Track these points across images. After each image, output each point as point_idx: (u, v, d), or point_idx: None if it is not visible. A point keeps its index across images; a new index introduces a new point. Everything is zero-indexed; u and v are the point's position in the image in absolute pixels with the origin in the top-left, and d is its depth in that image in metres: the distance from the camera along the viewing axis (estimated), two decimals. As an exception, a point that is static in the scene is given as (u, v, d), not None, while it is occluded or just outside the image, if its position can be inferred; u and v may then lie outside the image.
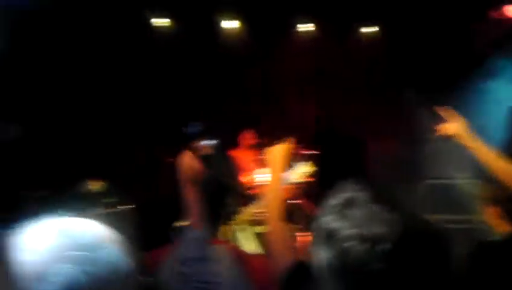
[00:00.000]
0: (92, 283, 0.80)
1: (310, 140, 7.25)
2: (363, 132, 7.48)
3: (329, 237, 1.15)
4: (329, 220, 1.17)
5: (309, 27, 7.67)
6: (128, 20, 6.69)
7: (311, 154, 5.98)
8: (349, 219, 1.13)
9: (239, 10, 7.25)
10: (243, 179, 5.98)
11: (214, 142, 4.17)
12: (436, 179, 6.42)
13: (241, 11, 7.27)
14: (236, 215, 4.17)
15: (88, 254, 0.83)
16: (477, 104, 5.88)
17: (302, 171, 3.88)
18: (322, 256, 1.17)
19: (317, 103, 8.20)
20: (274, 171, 2.08)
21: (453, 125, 2.22)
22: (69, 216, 0.91)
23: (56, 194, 4.78)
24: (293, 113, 8.06)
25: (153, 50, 7.06)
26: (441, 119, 2.31)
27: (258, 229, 4.65)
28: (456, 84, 6.48)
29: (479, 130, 5.35)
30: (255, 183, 5.77)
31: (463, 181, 5.77)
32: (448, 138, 2.28)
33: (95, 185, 5.20)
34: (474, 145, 2.17)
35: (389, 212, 1.12)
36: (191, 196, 2.11)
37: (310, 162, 3.77)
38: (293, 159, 4.19)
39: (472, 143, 2.18)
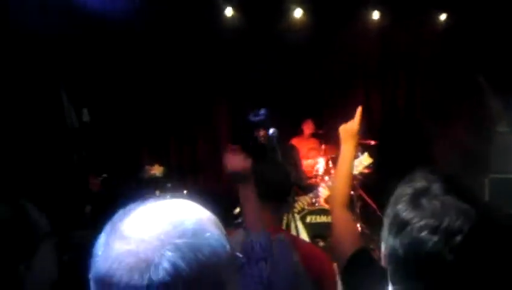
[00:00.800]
0: (196, 269, 0.78)
1: (375, 130, 7.11)
2: (433, 121, 7.23)
3: (402, 226, 1.13)
4: (401, 209, 1.15)
5: (376, 15, 7.47)
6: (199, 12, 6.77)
7: (372, 145, 5.87)
8: (423, 209, 1.11)
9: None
10: (303, 167, 5.96)
11: (274, 131, 4.15)
12: (504, 173, 6.10)
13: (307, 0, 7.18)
14: (294, 205, 4.18)
15: (191, 239, 0.81)
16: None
17: (362, 163, 3.81)
18: (392, 245, 1.16)
19: (383, 92, 8.02)
20: (345, 151, 2.03)
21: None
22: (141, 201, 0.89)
23: (120, 179, 4.94)
24: (358, 103, 7.89)
25: (220, 41, 7.10)
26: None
27: (314, 218, 4.63)
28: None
29: None
30: (314, 173, 5.74)
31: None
32: None
33: (156, 170, 5.32)
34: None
35: (464, 204, 1.09)
36: (242, 195, 1.99)
37: (367, 154, 3.67)
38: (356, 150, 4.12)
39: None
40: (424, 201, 1.12)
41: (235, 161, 1.97)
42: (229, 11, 7.12)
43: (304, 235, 4.30)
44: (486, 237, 1.07)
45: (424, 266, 1.10)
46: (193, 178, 7.04)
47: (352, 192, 4.95)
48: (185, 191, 5.09)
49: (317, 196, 4.13)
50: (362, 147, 5.87)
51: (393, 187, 1.24)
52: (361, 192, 5.69)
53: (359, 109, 2.08)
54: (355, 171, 3.93)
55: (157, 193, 4.80)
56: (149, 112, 6.93)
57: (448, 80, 7.53)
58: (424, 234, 1.08)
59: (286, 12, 7.37)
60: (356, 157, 3.95)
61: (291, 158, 4.47)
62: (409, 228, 1.11)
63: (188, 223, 0.83)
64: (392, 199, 1.19)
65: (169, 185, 5.15)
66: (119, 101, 6.57)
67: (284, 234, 1.97)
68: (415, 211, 1.11)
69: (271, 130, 4.14)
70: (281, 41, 7.15)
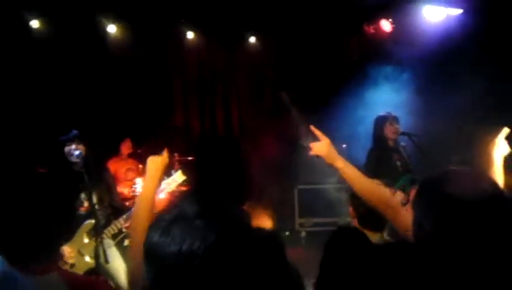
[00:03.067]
0: None
1: (192, 148, 7.21)
2: (247, 139, 7.59)
3: (152, 254, 1.10)
4: (152, 236, 1.12)
5: (195, 36, 7.63)
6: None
7: (187, 161, 5.94)
8: (172, 235, 1.08)
9: (125, 15, 7.02)
10: (119, 188, 5.76)
11: (80, 153, 3.92)
12: (308, 184, 6.69)
13: (127, 16, 7.04)
14: (106, 229, 4.00)
15: None
16: (355, 111, 6.18)
17: (176, 180, 3.79)
18: (145, 273, 1.12)
19: (202, 111, 8.17)
20: (149, 182, 2.06)
21: (319, 146, 2.26)
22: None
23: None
24: (177, 123, 7.96)
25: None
26: (313, 137, 2.34)
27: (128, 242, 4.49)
28: (334, 94, 6.79)
29: (358, 136, 5.77)
30: (131, 194, 5.59)
31: (332, 186, 6.07)
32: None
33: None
34: (340, 165, 2.21)
35: (208, 226, 1.08)
36: None
37: (180, 171, 3.68)
38: (170, 167, 4.11)
39: (337, 163, 2.21)
40: (174, 227, 1.09)
41: None
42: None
43: (117, 260, 4.13)
44: (226, 257, 1.06)
45: None
46: None
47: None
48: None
49: (130, 218, 4.00)
50: (180, 164, 5.94)
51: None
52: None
53: (165, 150, 2.12)
54: (169, 190, 3.90)
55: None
56: None
57: (260, 99, 8.05)
58: (169, 261, 1.06)
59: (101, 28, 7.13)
60: (169, 175, 3.93)
61: (103, 179, 4.27)
62: (157, 256, 1.08)
63: None
64: (150, 226, 1.16)
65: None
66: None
67: (56, 271, 1.79)
68: (163, 238, 1.09)
69: (76, 152, 3.93)
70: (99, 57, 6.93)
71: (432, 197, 1.46)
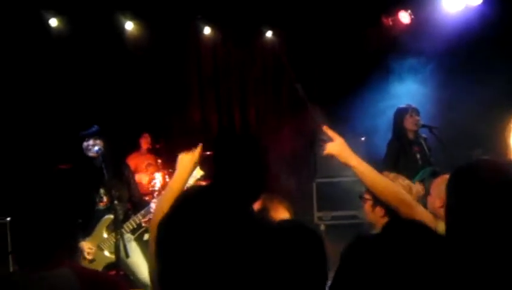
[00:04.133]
0: None
1: (210, 144, 7.21)
2: (264, 133, 7.58)
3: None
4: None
5: (212, 32, 7.62)
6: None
7: (205, 156, 5.94)
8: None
9: (141, 12, 7.06)
10: (139, 182, 5.82)
11: (100, 148, 3.96)
12: (327, 177, 6.65)
13: (144, 13, 7.08)
14: (125, 224, 4.04)
15: None
16: (375, 103, 6.13)
17: (194, 176, 3.81)
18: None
19: (219, 106, 8.17)
20: (178, 178, 2.09)
21: (333, 146, 2.24)
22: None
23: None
24: (195, 117, 7.98)
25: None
26: (327, 136, 2.34)
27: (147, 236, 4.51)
28: (353, 86, 6.74)
29: (378, 129, 5.72)
30: (150, 188, 5.63)
31: (350, 179, 6.02)
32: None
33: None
34: (354, 164, 2.20)
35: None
36: None
37: (198, 167, 3.69)
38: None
39: (351, 161, 2.20)
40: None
41: None
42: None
43: (137, 254, 4.16)
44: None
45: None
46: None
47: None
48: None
49: (148, 213, 4.03)
50: (200, 160, 5.94)
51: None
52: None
53: (200, 146, 2.17)
54: (188, 186, 3.91)
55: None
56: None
57: (278, 93, 8.02)
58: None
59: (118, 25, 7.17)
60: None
61: (123, 175, 4.31)
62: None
63: None
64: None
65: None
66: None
67: (68, 266, 1.82)
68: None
69: (96, 148, 3.97)
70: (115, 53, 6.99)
71: (467, 184, 1.47)
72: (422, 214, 2.12)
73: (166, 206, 1.97)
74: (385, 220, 2.71)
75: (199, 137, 7.72)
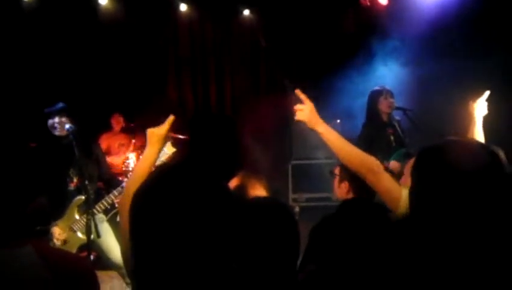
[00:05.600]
0: None
1: (185, 123, 7.14)
2: (241, 113, 7.53)
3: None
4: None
5: (188, 9, 7.47)
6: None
7: (183, 138, 5.88)
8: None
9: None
10: (112, 159, 5.73)
11: (71, 126, 3.85)
12: (302, 159, 6.67)
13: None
14: (97, 204, 3.96)
15: None
16: (351, 85, 6.12)
17: (166, 152, 3.76)
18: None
19: (195, 85, 8.07)
20: (148, 154, 2.03)
21: (302, 111, 2.24)
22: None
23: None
24: (170, 96, 7.87)
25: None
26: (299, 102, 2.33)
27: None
28: (330, 68, 6.71)
29: (354, 111, 5.73)
30: (124, 169, 5.55)
31: (324, 161, 6.06)
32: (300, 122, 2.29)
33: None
34: (321, 130, 2.22)
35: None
36: None
37: (170, 143, 3.64)
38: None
39: (319, 128, 2.22)
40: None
41: None
42: None
43: (109, 235, 4.10)
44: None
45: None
46: None
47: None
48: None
49: (119, 193, 3.95)
50: (173, 141, 5.88)
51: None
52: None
53: (171, 117, 2.10)
54: (159, 162, 3.87)
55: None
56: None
57: (254, 73, 7.96)
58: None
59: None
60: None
61: (93, 154, 4.21)
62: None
63: None
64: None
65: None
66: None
67: (33, 245, 1.80)
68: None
69: (67, 126, 3.85)
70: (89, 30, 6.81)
71: (430, 166, 1.45)
72: (388, 182, 2.14)
73: (137, 183, 1.94)
74: (350, 195, 2.78)
75: (175, 116, 7.68)
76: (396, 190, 2.11)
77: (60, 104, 3.97)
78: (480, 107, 2.94)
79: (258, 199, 1.84)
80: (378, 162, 2.21)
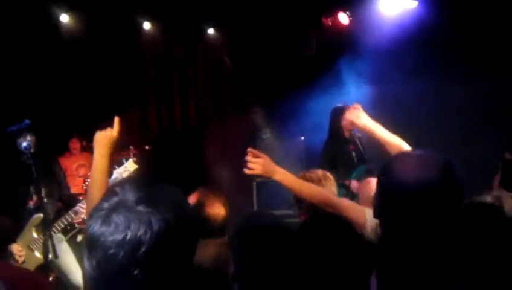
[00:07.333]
0: None
1: (149, 140, 7.08)
2: (206, 132, 7.50)
3: (93, 244, 1.03)
4: (93, 226, 1.04)
5: (152, 27, 7.43)
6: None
7: (142, 152, 5.84)
8: (112, 224, 1.01)
9: (78, 3, 6.76)
10: (71, 184, 5.59)
11: (28, 144, 3.75)
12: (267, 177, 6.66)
13: (80, 5, 6.78)
14: (56, 223, 3.85)
15: None
16: (314, 103, 6.19)
17: (128, 169, 3.71)
18: (87, 264, 1.05)
19: (159, 104, 8.02)
20: (98, 159, 1.99)
21: (255, 165, 2.31)
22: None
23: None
24: (135, 115, 7.78)
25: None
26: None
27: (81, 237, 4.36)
28: (293, 87, 6.79)
29: (317, 128, 5.78)
30: (84, 189, 5.43)
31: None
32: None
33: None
34: (278, 178, 2.32)
35: (152, 213, 1.02)
36: None
37: (132, 160, 3.59)
38: (124, 157, 3.99)
39: (276, 177, 2.32)
40: (115, 215, 1.02)
41: None
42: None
43: (68, 255, 4.00)
44: (172, 242, 1.02)
45: (115, 284, 1.00)
46: None
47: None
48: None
49: (76, 213, 3.86)
50: (137, 153, 5.82)
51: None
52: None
53: (117, 119, 2.07)
54: (121, 179, 3.80)
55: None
56: None
57: (219, 92, 7.98)
58: (111, 251, 0.99)
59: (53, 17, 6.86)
60: (121, 164, 3.83)
61: (53, 173, 4.12)
62: (99, 245, 1.01)
63: None
64: (88, 214, 1.11)
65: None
66: None
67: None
68: (105, 227, 1.01)
69: (24, 143, 3.75)
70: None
71: (380, 187, 1.45)
72: (350, 211, 2.27)
73: (97, 192, 1.88)
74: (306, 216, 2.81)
75: (139, 135, 7.66)
76: (360, 215, 2.24)
77: (26, 122, 3.89)
78: (356, 116, 2.78)
79: None
80: (334, 190, 2.44)
